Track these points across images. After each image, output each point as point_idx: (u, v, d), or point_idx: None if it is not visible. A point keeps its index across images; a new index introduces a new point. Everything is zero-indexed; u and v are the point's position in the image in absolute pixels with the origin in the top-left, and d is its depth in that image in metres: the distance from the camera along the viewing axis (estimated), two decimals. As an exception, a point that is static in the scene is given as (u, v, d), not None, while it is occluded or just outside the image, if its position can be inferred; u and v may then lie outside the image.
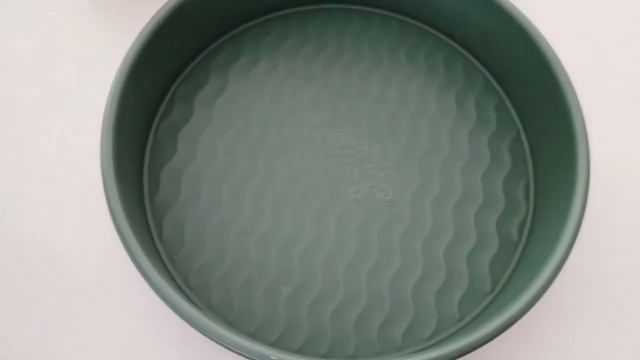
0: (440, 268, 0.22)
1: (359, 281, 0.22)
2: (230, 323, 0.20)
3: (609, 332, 0.23)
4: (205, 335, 0.17)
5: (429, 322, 0.21)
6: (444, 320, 0.21)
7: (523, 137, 0.25)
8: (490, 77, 0.26)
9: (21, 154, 0.24)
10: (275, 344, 0.20)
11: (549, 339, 0.23)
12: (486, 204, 0.23)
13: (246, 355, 0.17)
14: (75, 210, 0.23)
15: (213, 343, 0.18)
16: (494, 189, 0.24)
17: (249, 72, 0.25)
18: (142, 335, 0.21)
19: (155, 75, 0.23)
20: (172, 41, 0.23)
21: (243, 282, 0.21)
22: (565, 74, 0.22)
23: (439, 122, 0.25)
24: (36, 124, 0.25)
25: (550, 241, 0.20)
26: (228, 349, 0.17)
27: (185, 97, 0.24)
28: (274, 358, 0.16)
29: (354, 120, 0.24)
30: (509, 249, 0.23)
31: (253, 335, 0.20)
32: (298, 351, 0.20)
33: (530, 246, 0.22)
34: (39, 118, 0.25)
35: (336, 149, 0.24)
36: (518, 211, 0.23)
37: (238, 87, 0.25)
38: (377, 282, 0.22)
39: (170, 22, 0.22)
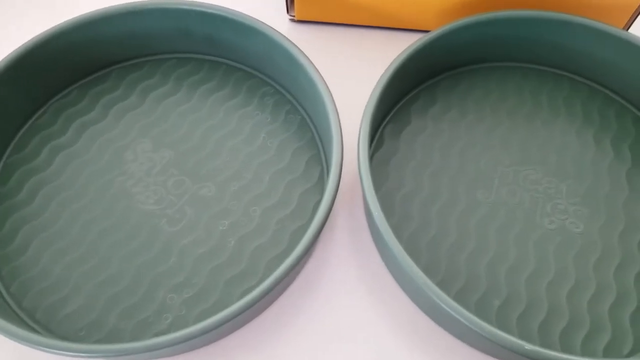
0: (631, 294, 0.24)
1: (559, 300, 0.24)
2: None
3: None
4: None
5: (626, 340, 0.23)
6: (640, 341, 0.23)
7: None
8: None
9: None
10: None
11: None
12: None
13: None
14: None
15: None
16: (675, 228, 0.26)
17: (444, 117, 0.29)
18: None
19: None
20: (389, 89, 0.27)
21: (457, 292, 0.24)
22: None
23: (617, 167, 0.27)
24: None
25: None
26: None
27: (392, 134, 0.29)
28: (527, 347, 0.19)
29: (542, 160, 0.28)
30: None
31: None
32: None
33: None
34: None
35: (527, 184, 0.27)
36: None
37: (436, 128, 0.29)
38: (576, 302, 0.24)
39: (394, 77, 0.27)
